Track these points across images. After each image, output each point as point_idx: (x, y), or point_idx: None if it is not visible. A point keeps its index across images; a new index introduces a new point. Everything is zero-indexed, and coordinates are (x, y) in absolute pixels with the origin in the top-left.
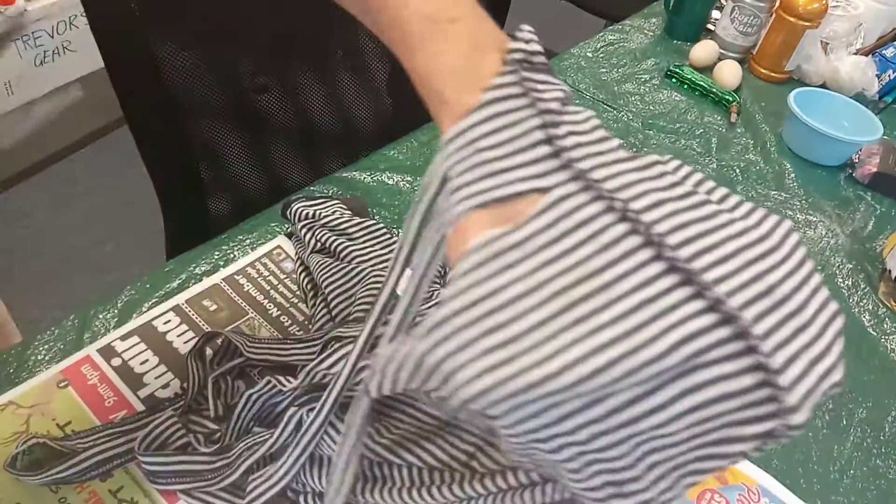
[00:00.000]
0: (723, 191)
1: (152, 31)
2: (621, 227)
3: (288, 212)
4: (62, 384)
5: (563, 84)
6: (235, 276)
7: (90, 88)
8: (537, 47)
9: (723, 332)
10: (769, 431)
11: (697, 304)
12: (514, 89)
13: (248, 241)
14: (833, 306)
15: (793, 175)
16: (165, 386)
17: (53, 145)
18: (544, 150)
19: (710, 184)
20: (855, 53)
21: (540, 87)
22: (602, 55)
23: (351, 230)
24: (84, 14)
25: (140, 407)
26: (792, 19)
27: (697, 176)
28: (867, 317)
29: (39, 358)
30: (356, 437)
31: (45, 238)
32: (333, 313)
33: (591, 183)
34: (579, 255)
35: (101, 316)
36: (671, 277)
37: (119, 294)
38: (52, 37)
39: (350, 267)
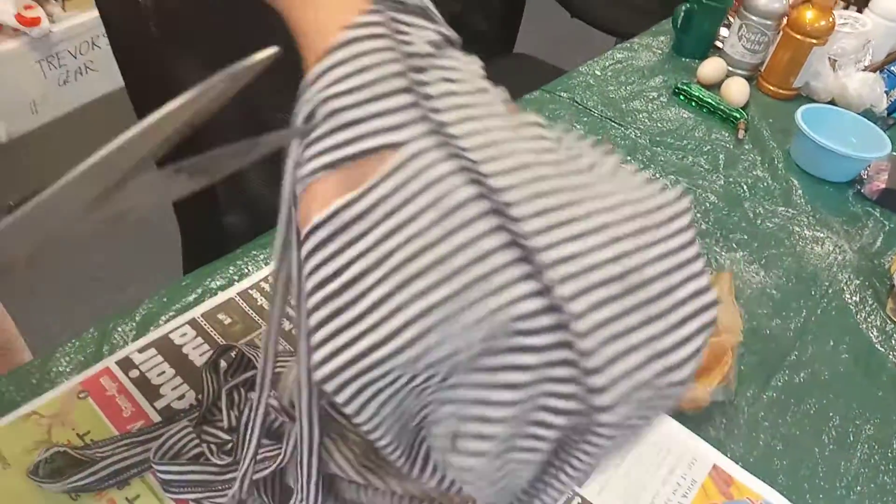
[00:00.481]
0: (614, 160)
1: (170, 51)
2: (467, 191)
3: None
4: (82, 395)
5: (442, 27)
6: (249, 291)
7: (112, 107)
8: None
9: (545, 321)
10: (574, 410)
11: (526, 287)
12: (378, 29)
13: (261, 257)
14: (706, 298)
15: (800, 191)
16: (181, 397)
17: (75, 162)
18: (403, 99)
19: (598, 153)
20: (863, 70)
21: (409, 28)
22: (610, 73)
23: None
24: (106, 35)
25: (156, 418)
26: (799, 37)
27: (586, 143)
28: (875, 333)
29: (61, 369)
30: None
31: (65, 253)
32: None
33: (448, 139)
34: (420, 223)
35: (120, 329)
36: (508, 253)
37: (137, 307)
38: (76, 57)
39: None
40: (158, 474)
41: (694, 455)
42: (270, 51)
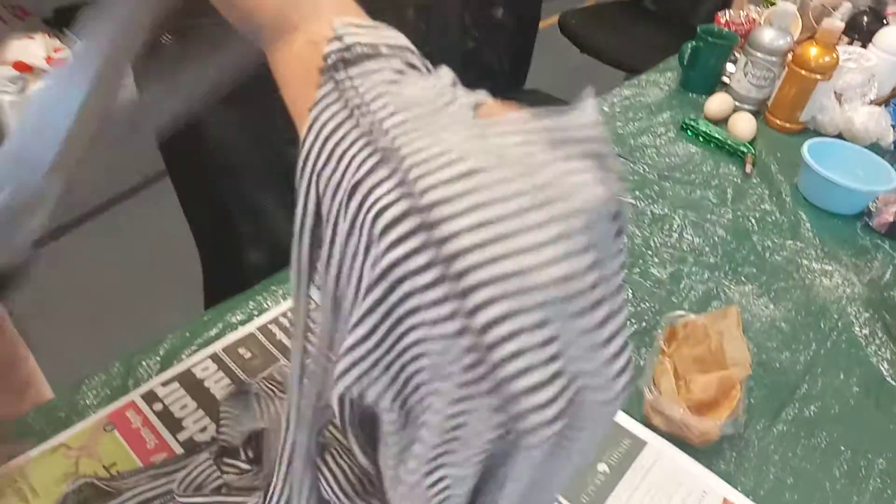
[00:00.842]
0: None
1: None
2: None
3: None
4: (108, 427)
5: (399, 57)
6: (269, 326)
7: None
8: (352, 39)
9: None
10: (454, 331)
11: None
12: (331, 100)
13: (280, 292)
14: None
15: (808, 225)
16: (203, 430)
17: (98, 197)
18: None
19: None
20: (869, 104)
21: (357, 81)
22: (618, 109)
23: None
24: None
25: (179, 450)
26: (804, 72)
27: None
28: (885, 366)
29: (88, 402)
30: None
31: (91, 285)
32: None
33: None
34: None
35: (144, 363)
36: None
37: (162, 342)
38: None
39: None
40: None
41: (704, 488)
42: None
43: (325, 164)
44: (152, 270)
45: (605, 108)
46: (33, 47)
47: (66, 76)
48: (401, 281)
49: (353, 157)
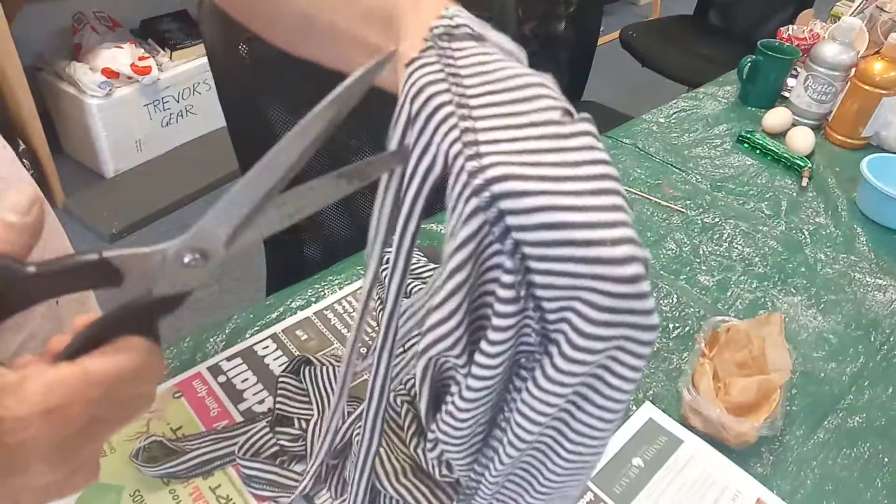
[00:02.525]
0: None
1: (264, 97)
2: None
3: None
4: (177, 395)
5: (493, 41)
6: (325, 311)
7: (207, 147)
8: (461, 21)
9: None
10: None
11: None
12: (431, 59)
13: (336, 282)
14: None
15: (864, 239)
16: (261, 402)
17: (173, 195)
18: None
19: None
20: None
21: (455, 52)
22: (674, 121)
23: (425, 275)
24: (206, 81)
25: (239, 418)
26: (868, 87)
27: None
28: None
29: None
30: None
31: None
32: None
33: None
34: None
35: (212, 339)
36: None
37: (228, 321)
38: (178, 101)
39: None
40: (242, 469)
41: (738, 488)
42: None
43: (414, 122)
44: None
45: (661, 119)
46: (121, 56)
47: (260, 170)
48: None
49: (439, 124)
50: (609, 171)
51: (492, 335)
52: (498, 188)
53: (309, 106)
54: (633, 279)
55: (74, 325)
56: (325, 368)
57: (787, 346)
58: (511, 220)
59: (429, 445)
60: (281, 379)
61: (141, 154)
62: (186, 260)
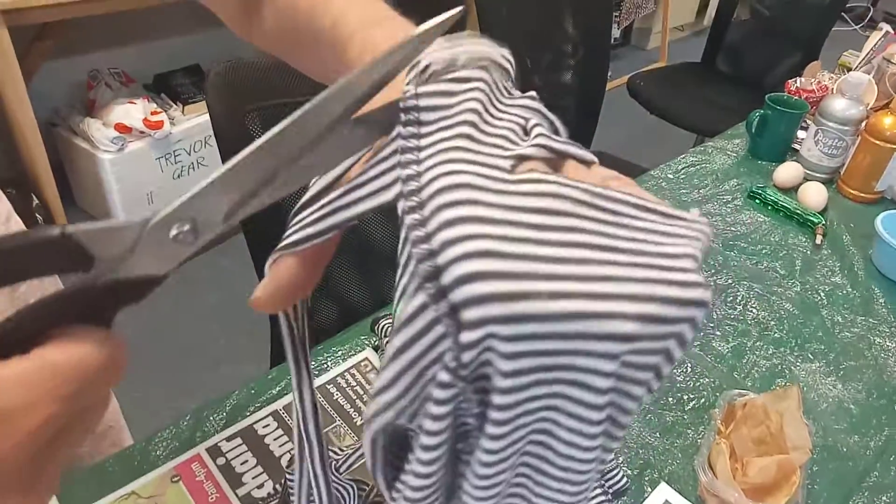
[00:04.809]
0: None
1: None
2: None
3: (376, 327)
4: (175, 479)
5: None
6: (327, 386)
7: None
8: (424, 89)
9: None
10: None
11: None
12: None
13: (340, 353)
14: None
15: (882, 300)
16: (261, 486)
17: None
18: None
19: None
20: None
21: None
22: (683, 176)
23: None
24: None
25: None
26: (878, 142)
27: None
28: None
29: (158, 453)
30: None
31: (168, 330)
32: None
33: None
34: None
35: (212, 417)
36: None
37: (229, 397)
38: (190, 154)
39: None
40: None
41: None
42: (456, 10)
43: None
44: (225, 322)
45: (670, 175)
46: (133, 111)
47: (272, 139)
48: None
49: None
50: (556, 205)
51: (432, 409)
52: (448, 279)
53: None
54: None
55: None
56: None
57: (806, 423)
58: (467, 315)
59: None
60: (289, 475)
61: (152, 206)
62: (173, 233)
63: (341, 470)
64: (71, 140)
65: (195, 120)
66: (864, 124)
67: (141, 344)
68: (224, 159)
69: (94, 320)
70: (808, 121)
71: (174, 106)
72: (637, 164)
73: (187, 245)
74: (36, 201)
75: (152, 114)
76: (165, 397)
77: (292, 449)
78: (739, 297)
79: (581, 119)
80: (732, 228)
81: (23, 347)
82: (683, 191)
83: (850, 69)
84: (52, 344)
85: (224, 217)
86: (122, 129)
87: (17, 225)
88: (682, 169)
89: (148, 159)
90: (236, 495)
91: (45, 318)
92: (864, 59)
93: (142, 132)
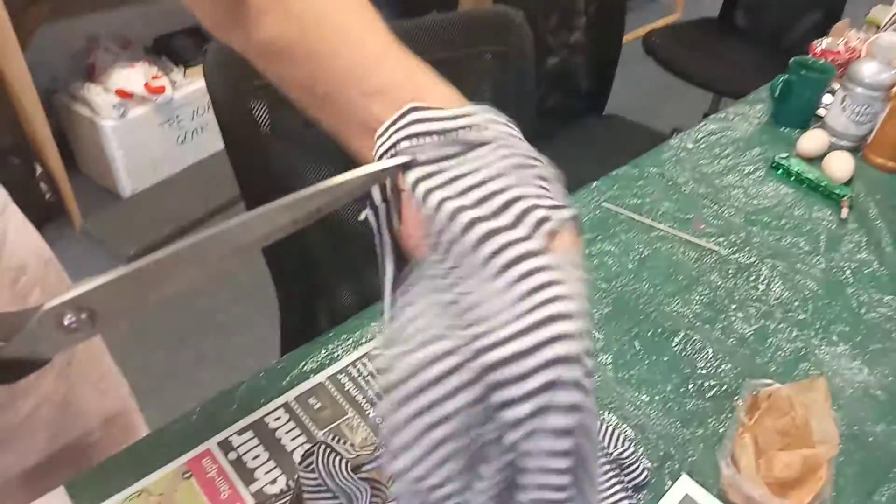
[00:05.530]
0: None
1: (271, 148)
2: None
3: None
4: (186, 475)
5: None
6: (338, 376)
7: (222, 163)
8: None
9: None
10: None
11: None
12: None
13: (350, 340)
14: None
15: None
16: (273, 482)
17: (190, 214)
18: None
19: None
20: None
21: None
22: (703, 146)
23: None
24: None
25: (250, 501)
26: None
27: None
28: None
29: (169, 447)
30: None
31: (176, 303)
32: None
33: None
34: None
35: (222, 410)
36: None
37: (238, 388)
38: (193, 119)
39: None
40: None
41: None
42: (402, 159)
43: None
44: (236, 284)
45: (689, 145)
46: (134, 75)
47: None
48: None
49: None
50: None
51: None
52: None
53: (315, 151)
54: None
55: None
56: (338, 459)
57: (833, 415)
58: None
59: None
60: (301, 474)
61: (157, 173)
62: (66, 321)
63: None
64: (72, 107)
65: (197, 83)
66: (895, 89)
67: (151, 323)
68: (225, 139)
69: None
70: (834, 85)
71: (175, 69)
72: (649, 128)
73: (81, 334)
74: (40, 170)
75: (153, 78)
76: (179, 372)
77: (304, 442)
78: (762, 276)
79: (596, 78)
80: (755, 202)
81: None
82: (703, 161)
83: (878, 26)
84: None
85: (125, 312)
86: (124, 94)
87: (13, 215)
88: (702, 138)
89: (151, 125)
90: (249, 491)
91: None
92: (893, 17)
93: (143, 97)
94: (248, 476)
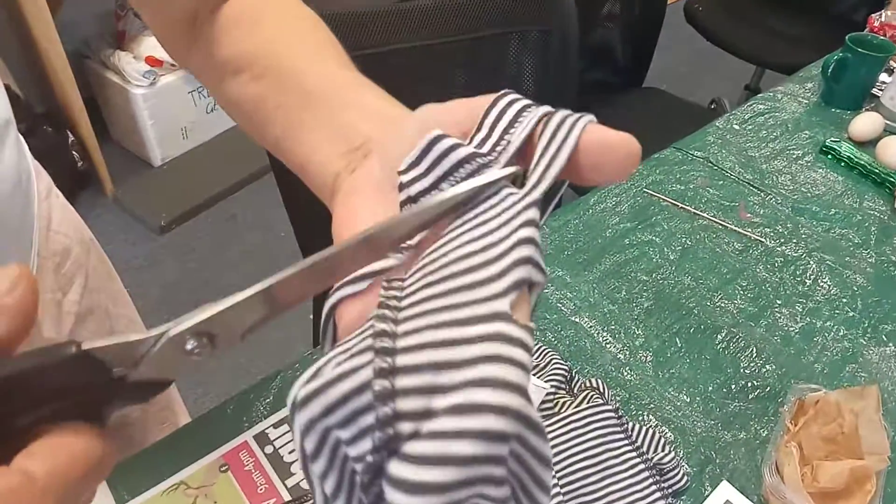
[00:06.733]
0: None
1: None
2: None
3: None
4: (223, 468)
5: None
6: None
7: None
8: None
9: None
10: None
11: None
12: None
13: None
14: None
15: None
16: None
17: (220, 184)
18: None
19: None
20: None
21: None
22: (751, 127)
23: None
24: None
25: (286, 496)
26: None
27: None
28: None
29: (206, 439)
30: None
31: (208, 272)
32: None
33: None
34: None
35: (258, 402)
36: None
37: (274, 379)
38: None
39: None
40: None
41: None
42: (510, 170)
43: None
44: (264, 256)
45: (735, 126)
46: None
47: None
48: None
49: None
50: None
51: None
52: None
53: None
54: None
55: None
56: None
57: (884, 425)
58: None
59: None
60: None
61: (187, 141)
62: (189, 347)
63: None
64: (102, 74)
65: None
66: None
67: (184, 289)
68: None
69: (90, 415)
70: (893, 63)
71: None
72: (688, 101)
73: (202, 357)
74: (72, 138)
75: None
76: (209, 387)
77: None
78: (810, 271)
79: (635, 52)
80: (803, 189)
81: (9, 442)
82: (750, 144)
83: None
84: (39, 452)
85: (245, 332)
86: (153, 62)
87: (56, 200)
88: (749, 119)
89: (181, 93)
90: (285, 486)
91: (38, 408)
92: None
93: (173, 65)
94: (284, 470)
